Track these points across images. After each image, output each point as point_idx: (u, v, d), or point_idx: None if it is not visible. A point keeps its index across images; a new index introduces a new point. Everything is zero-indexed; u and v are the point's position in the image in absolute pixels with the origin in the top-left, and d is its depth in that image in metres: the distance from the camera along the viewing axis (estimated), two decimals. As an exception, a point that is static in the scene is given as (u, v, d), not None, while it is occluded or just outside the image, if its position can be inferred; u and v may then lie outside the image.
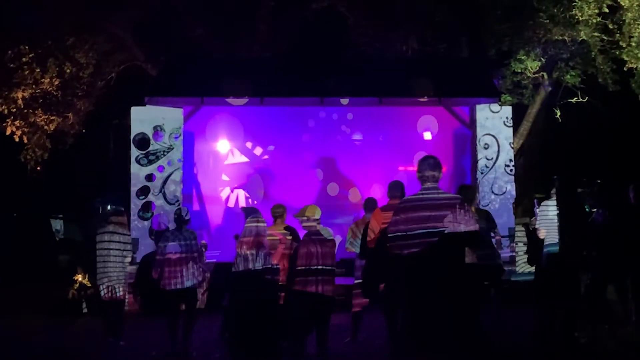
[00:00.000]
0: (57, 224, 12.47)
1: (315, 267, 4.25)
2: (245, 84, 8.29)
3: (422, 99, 8.50)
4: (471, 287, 3.61)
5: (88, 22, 9.24)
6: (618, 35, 8.10)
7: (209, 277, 5.90)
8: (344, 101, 8.71)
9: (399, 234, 3.30)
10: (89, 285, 7.76)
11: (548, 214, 5.00)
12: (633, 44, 7.89)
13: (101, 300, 5.57)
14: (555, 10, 8.24)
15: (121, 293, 5.53)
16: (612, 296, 5.29)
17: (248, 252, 4.46)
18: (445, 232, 3.23)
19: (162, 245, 5.18)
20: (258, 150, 9.27)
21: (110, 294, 5.48)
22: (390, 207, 4.54)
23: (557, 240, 4.92)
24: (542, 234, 5.04)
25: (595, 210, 5.57)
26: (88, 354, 5.49)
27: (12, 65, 8.81)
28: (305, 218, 4.46)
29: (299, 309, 4.29)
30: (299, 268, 4.29)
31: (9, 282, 9.03)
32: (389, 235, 3.39)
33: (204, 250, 5.40)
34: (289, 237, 4.74)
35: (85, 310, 7.69)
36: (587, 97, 9.33)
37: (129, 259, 5.73)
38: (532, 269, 5.91)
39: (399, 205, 3.45)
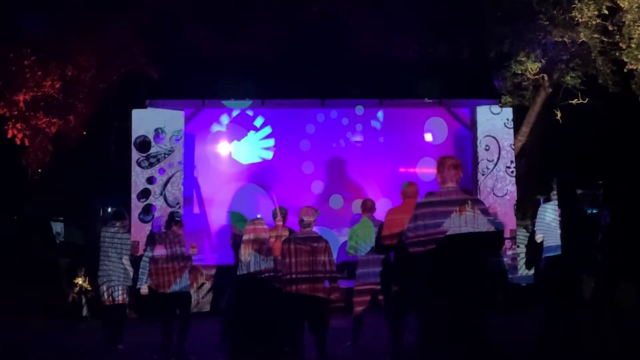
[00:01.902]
0: (58, 227, 12.46)
1: (288, 276, 4.24)
2: (246, 86, 8.31)
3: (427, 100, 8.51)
4: (482, 289, 3.61)
5: (90, 25, 9.25)
6: (618, 36, 8.10)
7: (209, 280, 5.91)
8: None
9: (418, 234, 3.29)
10: (90, 288, 7.76)
11: (545, 217, 4.97)
12: (633, 46, 7.89)
13: (102, 303, 5.56)
14: (555, 12, 8.26)
15: (120, 296, 5.50)
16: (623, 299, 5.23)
17: (249, 256, 4.47)
18: (464, 233, 3.23)
19: (152, 247, 5.18)
20: (258, 153, 9.29)
21: (110, 297, 5.47)
22: (403, 208, 4.55)
23: (555, 244, 4.90)
24: (538, 237, 5.00)
25: (597, 211, 5.55)
26: (88, 358, 5.48)
27: (13, 68, 8.81)
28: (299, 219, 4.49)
29: (285, 312, 4.30)
30: (280, 275, 4.33)
31: (9, 285, 9.02)
32: (407, 236, 3.37)
33: (193, 253, 5.38)
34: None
35: (85, 314, 7.69)
36: (587, 99, 9.33)
37: (127, 261, 5.68)
38: (531, 271, 5.90)
39: (418, 206, 3.44)
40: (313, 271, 4.27)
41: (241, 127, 9.22)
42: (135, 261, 5.76)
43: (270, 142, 9.22)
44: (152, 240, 5.32)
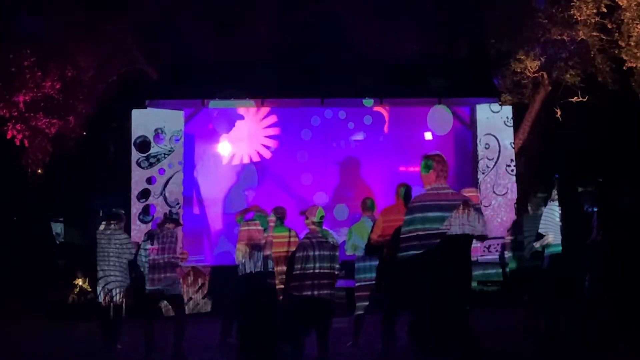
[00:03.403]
0: (58, 227, 12.46)
1: (312, 271, 4.18)
2: (246, 85, 8.33)
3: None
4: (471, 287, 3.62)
5: (89, 25, 9.24)
6: (617, 34, 8.09)
7: (207, 280, 5.89)
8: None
9: (416, 233, 3.26)
10: (89, 289, 7.75)
11: (555, 217, 4.92)
12: (632, 43, 7.87)
13: (99, 305, 5.55)
14: (554, 10, 8.24)
15: (119, 297, 5.49)
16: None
17: (245, 256, 4.47)
18: (459, 232, 3.24)
19: (145, 244, 5.16)
20: (257, 152, 9.29)
21: (108, 298, 5.47)
22: (397, 207, 4.54)
23: (558, 242, 4.88)
24: (551, 239, 4.91)
25: (592, 210, 5.55)
26: (88, 359, 5.47)
27: (13, 68, 8.79)
28: (306, 217, 4.46)
29: (294, 313, 4.25)
30: (295, 272, 4.25)
31: (8, 285, 9.02)
32: (404, 234, 3.34)
33: (183, 259, 5.34)
34: (293, 239, 4.75)
35: (85, 315, 7.67)
36: (587, 97, 9.32)
37: (125, 262, 5.66)
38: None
39: (413, 204, 3.40)
40: (326, 274, 4.25)
41: (240, 126, 9.23)
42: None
43: (271, 141, 9.23)
44: (145, 237, 5.32)
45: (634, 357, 4.47)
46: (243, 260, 4.58)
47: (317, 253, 4.22)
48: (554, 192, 5.04)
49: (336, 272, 4.34)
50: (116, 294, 5.47)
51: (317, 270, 4.19)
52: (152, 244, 5.06)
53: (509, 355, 4.73)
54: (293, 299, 4.24)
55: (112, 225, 5.59)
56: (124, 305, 5.73)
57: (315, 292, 4.18)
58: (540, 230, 5.00)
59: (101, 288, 5.51)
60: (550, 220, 4.92)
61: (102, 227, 5.67)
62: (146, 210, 8.36)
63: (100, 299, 5.51)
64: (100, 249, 5.54)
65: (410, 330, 3.61)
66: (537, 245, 5.00)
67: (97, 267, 5.58)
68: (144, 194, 8.39)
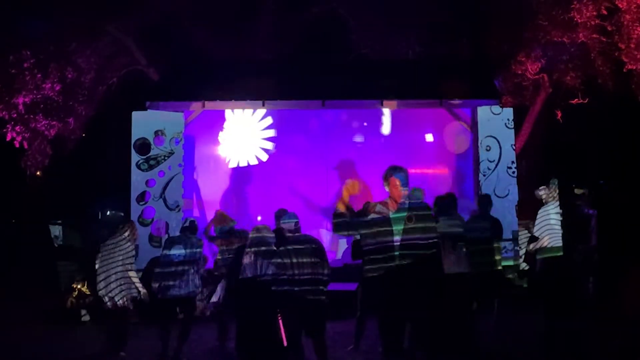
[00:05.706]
0: (56, 230, 12.39)
1: (290, 269, 4.19)
2: (247, 87, 8.32)
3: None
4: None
5: (90, 27, 9.22)
6: (617, 37, 8.10)
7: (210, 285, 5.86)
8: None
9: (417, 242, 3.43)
10: (88, 293, 7.69)
11: (550, 219, 4.89)
12: (632, 46, 7.88)
13: (106, 310, 5.49)
14: (554, 13, 8.26)
15: (122, 302, 5.44)
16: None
17: (255, 260, 4.43)
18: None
19: (167, 250, 5.15)
20: (259, 154, 9.28)
21: (113, 303, 5.42)
22: None
23: (557, 245, 4.84)
24: (546, 241, 4.88)
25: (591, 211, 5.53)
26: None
27: (13, 70, 8.77)
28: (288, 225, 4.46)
29: (282, 309, 4.26)
30: (277, 267, 4.29)
31: (6, 289, 8.96)
32: (405, 242, 3.43)
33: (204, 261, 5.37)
34: None
35: (84, 319, 7.61)
36: (587, 98, 9.33)
37: (132, 267, 5.63)
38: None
39: (411, 213, 3.47)
40: (314, 272, 4.23)
41: (241, 129, 9.21)
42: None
43: (271, 143, 9.22)
44: (167, 242, 5.30)
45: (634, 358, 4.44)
46: (251, 265, 4.53)
47: (290, 247, 4.22)
48: (552, 195, 5.00)
49: (322, 277, 4.24)
50: (119, 299, 5.41)
51: (296, 270, 4.17)
52: (178, 252, 5.05)
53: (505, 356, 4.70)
54: (283, 299, 4.23)
55: (124, 233, 5.53)
56: (128, 309, 5.66)
57: (296, 288, 4.16)
58: (535, 233, 4.95)
59: (105, 292, 5.44)
60: (545, 223, 4.88)
61: (116, 230, 5.55)
62: (144, 213, 8.33)
63: (105, 303, 5.44)
64: (108, 252, 5.43)
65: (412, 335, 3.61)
66: (530, 248, 4.96)
67: (97, 272, 5.51)
68: (144, 196, 8.36)
